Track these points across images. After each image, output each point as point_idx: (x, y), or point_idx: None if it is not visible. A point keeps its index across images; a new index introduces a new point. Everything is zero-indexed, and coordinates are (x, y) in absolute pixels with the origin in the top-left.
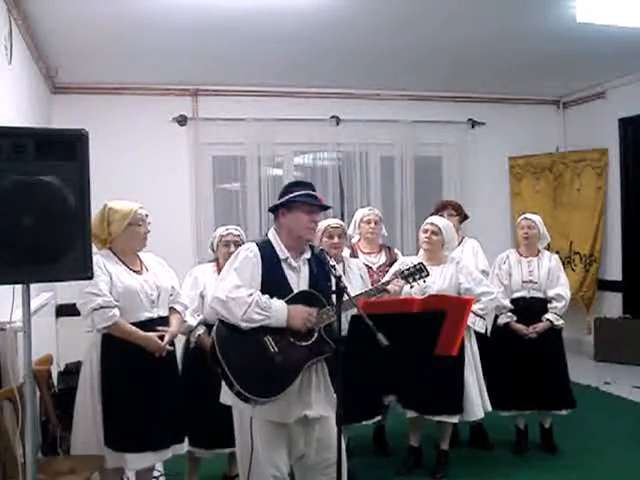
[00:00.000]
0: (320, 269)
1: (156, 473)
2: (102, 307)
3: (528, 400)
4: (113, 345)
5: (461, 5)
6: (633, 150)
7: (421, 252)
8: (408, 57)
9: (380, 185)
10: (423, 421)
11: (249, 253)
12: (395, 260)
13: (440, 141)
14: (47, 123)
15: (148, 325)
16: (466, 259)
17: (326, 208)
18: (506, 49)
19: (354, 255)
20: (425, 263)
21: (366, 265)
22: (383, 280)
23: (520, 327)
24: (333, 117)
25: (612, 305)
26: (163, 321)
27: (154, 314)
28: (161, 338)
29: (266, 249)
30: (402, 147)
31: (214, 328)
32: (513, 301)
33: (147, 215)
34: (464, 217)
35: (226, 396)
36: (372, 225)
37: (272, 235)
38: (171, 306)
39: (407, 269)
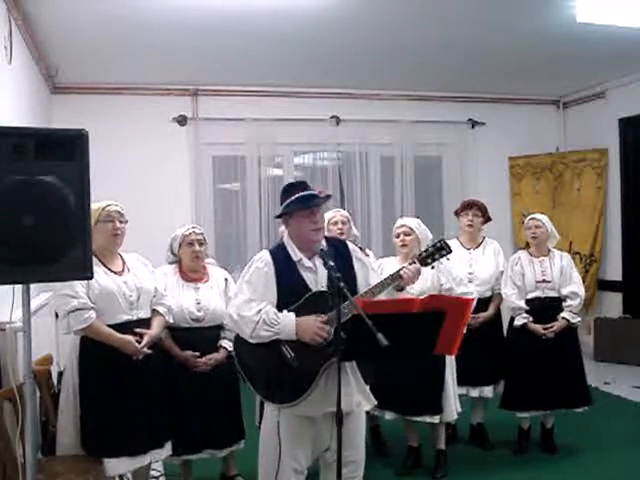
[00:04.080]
0: (340, 264)
1: (156, 473)
2: (78, 309)
3: (547, 400)
4: (91, 348)
5: (461, 6)
6: (633, 150)
7: (398, 256)
8: (408, 57)
9: (380, 185)
10: (412, 421)
11: (259, 264)
12: None
13: (440, 141)
14: (47, 123)
15: (126, 327)
16: (488, 260)
17: (325, 200)
18: (506, 49)
19: None
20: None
21: None
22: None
23: (537, 327)
24: (333, 117)
25: (612, 305)
26: (143, 323)
27: (133, 316)
28: (139, 341)
29: (279, 254)
30: (402, 147)
31: (233, 339)
32: (528, 302)
33: (121, 213)
34: (487, 219)
35: None
36: (339, 226)
37: (286, 239)
38: (154, 308)
39: (425, 250)
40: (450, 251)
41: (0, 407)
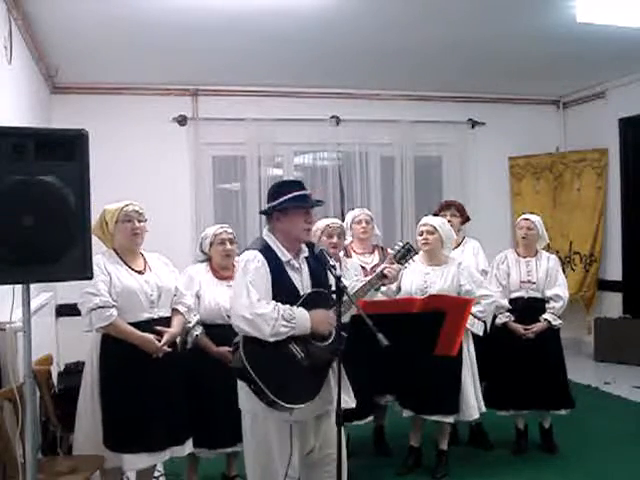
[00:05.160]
0: (318, 266)
1: (156, 473)
2: (100, 307)
3: (526, 400)
4: (111, 345)
5: (461, 6)
6: (633, 150)
7: (421, 254)
8: (408, 57)
9: (380, 185)
10: (422, 421)
11: (257, 264)
12: None
13: (440, 141)
14: (47, 123)
15: (147, 325)
16: (467, 259)
17: (319, 204)
18: (506, 49)
19: (347, 256)
20: (426, 265)
21: (360, 266)
22: (379, 268)
23: (517, 327)
24: (333, 117)
25: (612, 305)
26: (164, 322)
27: (154, 314)
28: (160, 339)
29: (268, 254)
30: (402, 147)
31: (240, 346)
32: (511, 301)
33: (140, 212)
34: (466, 218)
35: (245, 403)
36: (363, 225)
37: (269, 238)
38: (174, 307)
39: (398, 252)
40: (417, 252)
41: (0, 407)
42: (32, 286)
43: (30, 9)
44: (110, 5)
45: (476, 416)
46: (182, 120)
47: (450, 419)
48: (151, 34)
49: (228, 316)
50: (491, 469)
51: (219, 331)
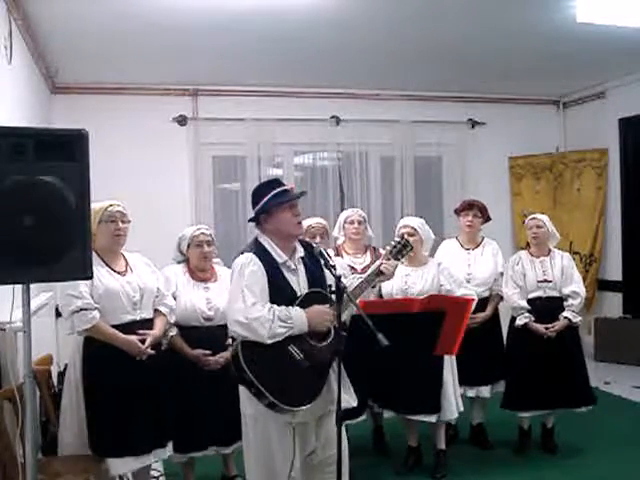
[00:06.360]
0: (315, 266)
1: (155, 473)
2: (82, 309)
3: (548, 400)
4: (94, 348)
5: (460, 5)
6: (633, 150)
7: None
8: (408, 57)
9: (380, 185)
10: (413, 420)
11: (253, 267)
12: None
13: (440, 141)
14: (47, 123)
15: (130, 327)
16: (486, 260)
17: (301, 194)
18: (506, 49)
19: (338, 256)
20: (406, 266)
21: (350, 266)
22: (375, 264)
23: (539, 327)
24: (333, 117)
25: (612, 305)
26: (146, 323)
27: (136, 316)
28: (143, 341)
29: (263, 256)
30: (402, 147)
31: (238, 352)
32: (529, 301)
33: (124, 213)
34: (487, 219)
35: (245, 406)
36: (355, 225)
37: (264, 241)
38: (156, 308)
39: (394, 247)
40: (412, 247)
41: (0, 407)
42: (32, 286)
43: (30, 9)
44: (110, 5)
45: (455, 416)
46: (182, 120)
47: (432, 418)
48: (151, 34)
49: (204, 318)
50: (491, 469)
51: (194, 333)
